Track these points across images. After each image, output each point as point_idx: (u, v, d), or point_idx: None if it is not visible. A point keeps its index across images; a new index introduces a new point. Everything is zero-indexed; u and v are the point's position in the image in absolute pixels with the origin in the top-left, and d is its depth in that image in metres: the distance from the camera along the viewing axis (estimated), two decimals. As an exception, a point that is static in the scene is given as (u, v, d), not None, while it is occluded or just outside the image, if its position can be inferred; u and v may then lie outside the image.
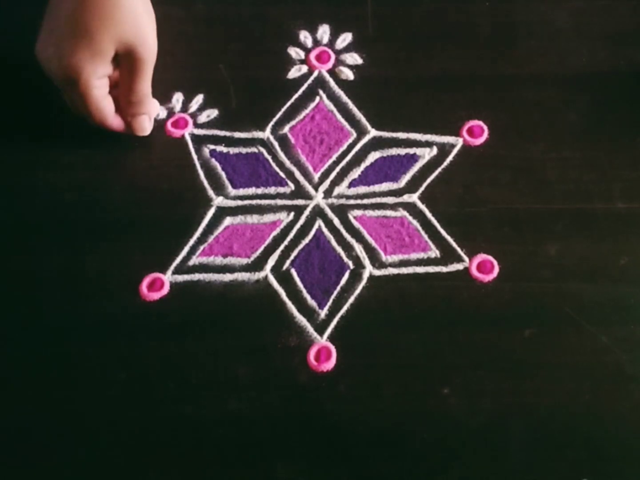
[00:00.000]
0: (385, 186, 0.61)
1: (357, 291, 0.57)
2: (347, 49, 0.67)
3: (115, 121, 0.61)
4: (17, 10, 0.68)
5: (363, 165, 0.62)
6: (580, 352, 0.55)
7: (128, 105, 0.61)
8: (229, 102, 0.65)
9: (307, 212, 0.61)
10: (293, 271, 0.58)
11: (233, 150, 0.63)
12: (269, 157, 0.63)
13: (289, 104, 0.65)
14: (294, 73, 0.66)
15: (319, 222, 0.60)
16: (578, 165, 0.61)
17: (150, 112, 0.62)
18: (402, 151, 0.62)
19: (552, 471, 0.52)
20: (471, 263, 0.58)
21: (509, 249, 0.58)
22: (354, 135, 0.63)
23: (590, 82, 0.65)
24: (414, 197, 0.61)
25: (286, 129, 0.64)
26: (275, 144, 0.63)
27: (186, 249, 0.59)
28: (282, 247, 0.59)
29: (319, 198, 0.61)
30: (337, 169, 0.62)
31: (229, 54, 0.67)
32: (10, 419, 0.54)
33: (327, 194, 0.61)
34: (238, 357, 0.55)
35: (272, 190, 0.61)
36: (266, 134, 0.64)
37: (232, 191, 0.62)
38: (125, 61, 0.59)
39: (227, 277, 0.58)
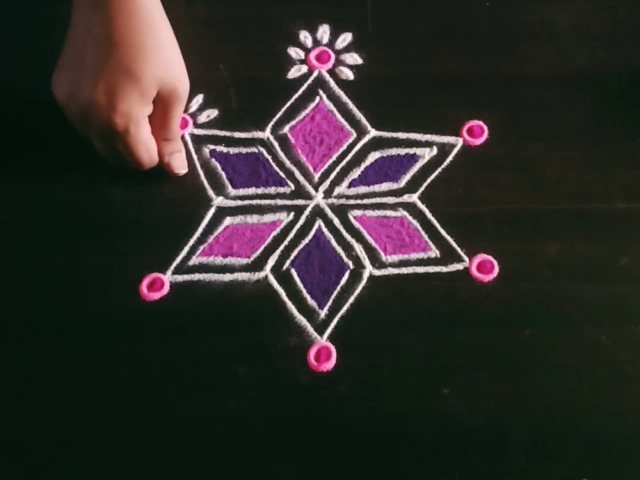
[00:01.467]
0: (385, 186, 0.61)
1: (357, 291, 0.57)
2: (347, 49, 0.67)
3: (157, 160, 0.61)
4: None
5: (363, 165, 0.62)
6: (580, 352, 0.55)
7: (164, 144, 0.60)
8: (229, 102, 0.65)
9: (307, 212, 0.61)
10: (293, 271, 0.58)
11: (233, 150, 0.63)
12: (269, 157, 0.63)
13: (289, 104, 0.65)
14: (294, 73, 0.66)
15: (319, 222, 0.60)
16: (578, 165, 0.61)
17: (182, 149, 0.62)
18: (402, 151, 0.62)
19: (552, 471, 0.52)
20: (471, 263, 0.58)
21: (509, 249, 0.58)
22: (354, 135, 0.63)
23: (590, 82, 0.65)
24: (414, 197, 0.61)
25: (286, 129, 0.64)
26: (275, 144, 0.63)
27: (186, 249, 0.59)
28: (282, 247, 0.59)
29: (319, 198, 0.61)
30: (337, 169, 0.62)
31: (229, 54, 0.67)
32: (10, 419, 0.54)
33: (327, 194, 0.61)
34: (238, 357, 0.55)
35: (272, 190, 0.61)
36: (266, 134, 0.64)
37: (232, 191, 0.62)
38: (163, 100, 0.58)
39: (227, 277, 0.58)
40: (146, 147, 0.59)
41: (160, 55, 0.58)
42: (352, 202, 0.61)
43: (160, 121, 0.59)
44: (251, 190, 0.62)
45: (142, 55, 0.57)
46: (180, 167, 0.61)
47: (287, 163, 0.62)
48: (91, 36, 0.57)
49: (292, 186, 0.62)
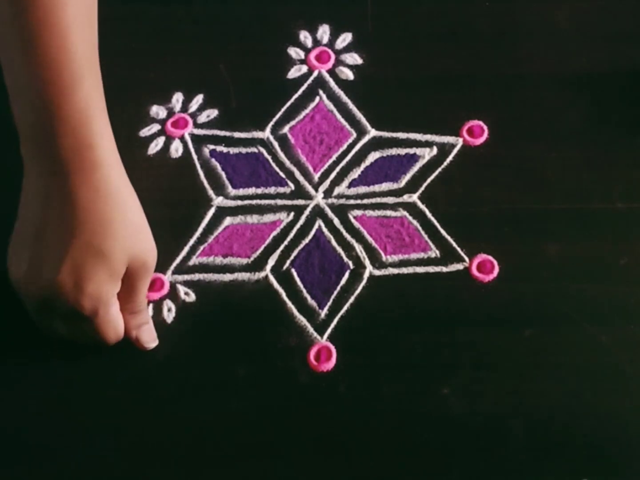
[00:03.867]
0: (385, 186, 0.61)
1: (357, 291, 0.57)
2: (347, 49, 0.67)
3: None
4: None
5: (363, 165, 0.62)
6: (580, 352, 0.55)
7: (131, 318, 0.55)
8: (229, 102, 0.65)
9: (307, 212, 0.61)
10: (293, 271, 0.58)
11: (233, 150, 0.63)
12: (269, 157, 0.63)
13: (288, 104, 0.65)
14: (294, 73, 0.66)
15: (319, 222, 0.60)
16: (578, 165, 0.61)
17: (150, 321, 0.57)
18: (402, 151, 0.62)
19: (552, 471, 0.52)
20: (471, 263, 0.58)
21: (509, 249, 0.58)
22: (354, 135, 0.63)
23: (590, 82, 0.65)
24: (414, 197, 0.61)
25: (286, 129, 0.64)
26: (275, 144, 0.63)
27: (186, 249, 0.59)
28: (282, 247, 0.59)
29: (319, 198, 0.61)
30: (337, 169, 0.62)
31: (229, 54, 0.67)
32: (10, 419, 0.54)
33: (327, 194, 0.61)
34: (238, 357, 0.55)
35: (272, 190, 0.61)
36: (266, 134, 0.64)
37: (232, 191, 0.62)
38: (131, 275, 0.54)
39: (227, 277, 0.58)
40: (114, 327, 0.54)
41: (128, 229, 0.53)
42: (352, 202, 0.61)
43: (127, 295, 0.55)
44: (251, 190, 0.62)
45: (110, 233, 0.52)
46: (149, 340, 0.56)
47: (287, 163, 0.62)
48: (51, 210, 0.52)
49: (292, 186, 0.62)
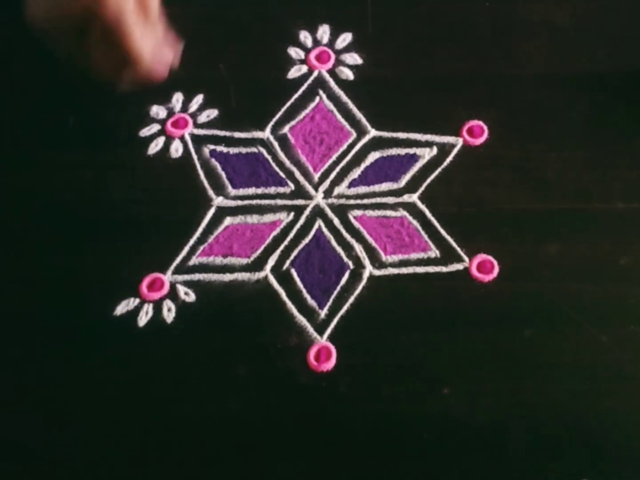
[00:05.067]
0: (385, 186, 0.61)
1: (357, 291, 0.57)
2: (347, 49, 0.67)
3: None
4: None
5: (363, 165, 0.62)
6: (580, 352, 0.55)
7: (148, 31, 0.54)
8: (229, 102, 0.65)
9: (307, 212, 0.61)
10: (293, 271, 0.58)
11: (233, 150, 0.63)
12: (269, 157, 0.63)
13: (289, 104, 0.65)
14: (294, 73, 0.66)
15: (319, 222, 0.60)
16: (578, 165, 0.61)
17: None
18: (402, 151, 0.62)
19: (552, 471, 0.52)
20: (471, 263, 0.58)
21: (509, 249, 0.58)
22: (354, 135, 0.63)
23: (590, 82, 0.65)
24: (414, 197, 0.61)
25: (286, 129, 0.64)
26: (275, 144, 0.63)
27: (186, 249, 0.59)
28: (282, 247, 0.59)
29: (319, 198, 0.61)
30: (337, 169, 0.62)
31: (229, 54, 0.67)
32: (10, 419, 0.54)
33: (327, 194, 0.61)
34: (238, 357, 0.55)
35: (272, 190, 0.61)
36: (266, 134, 0.64)
37: (232, 191, 0.62)
38: None
39: (227, 277, 0.58)
40: (141, 34, 0.54)
41: None
42: (352, 202, 0.61)
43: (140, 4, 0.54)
44: (251, 190, 0.62)
45: None
46: (165, 61, 0.56)
47: (287, 163, 0.62)
48: None
49: (292, 186, 0.62)
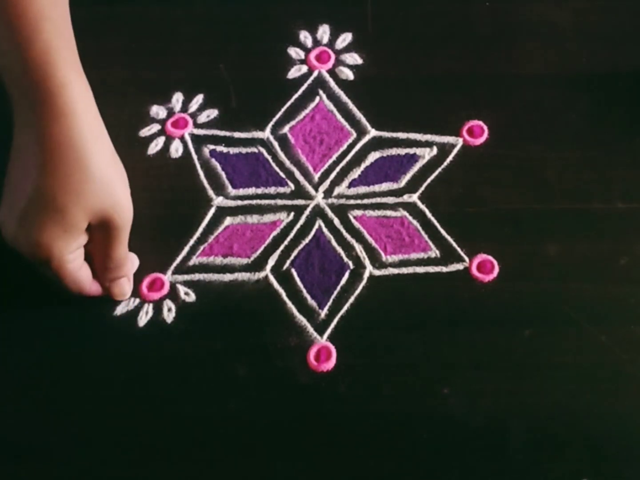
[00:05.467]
0: (385, 186, 0.61)
1: (357, 291, 0.57)
2: (347, 49, 0.67)
3: (93, 288, 0.56)
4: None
5: (363, 165, 0.62)
6: (580, 352, 0.55)
7: (105, 271, 0.56)
8: (229, 102, 0.65)
9: (307, 212, 0.61)
10: (293, 271, 0.58)
11: (233, 150, 0.63)
12: (269, 157, 0.63)
13: (289, 104, 0.65)
14: (294, 73, 0.66)
15: (319, 222, 0.60)
16: (578, 165, 0.61)
17: (128, 273, 0.57)
18: (402, 151, 0.62)
19: (552, 471, 0.52)
20: (471, 263, 0.58)
21: (509, 249, 0.58)
22: (354, 135, 0.63)
23: (590, 82, 0.65)
24: (414, 197, 0.61)
25: (286, 129, 0.64)
26: (275, 144, 0.63)
27: (186, 249, 0.59)
28: (282, 247, 0.59)
29: (319, 198, 0.61)
30: (337, 169, 0.62)
31: (229, 54, 0.67)
32: (10, 419, 0.54)
33: (327, 194, 0.61)
34: (238, 357, 0.55)
35: (272, 190, 0.61)
36: (266, 134, 0.64)
37: (232, 191, 0.62)
38: (100, 230, 0.54)
39: (227, 277, 0.58)
40: (72, 279, 0.54)
41: (90, 184, 0.52)
42: (352, 202, 0.61)
43: (100, 250, 0.55)
44: (251, 190, 0.62)
45: (68, 188, 0.51)
46: (119, 294, 0.57)
47: (287, 163, 0.62)
48: (18, 162, 0.53)
49: (292, 186, 0.62)
